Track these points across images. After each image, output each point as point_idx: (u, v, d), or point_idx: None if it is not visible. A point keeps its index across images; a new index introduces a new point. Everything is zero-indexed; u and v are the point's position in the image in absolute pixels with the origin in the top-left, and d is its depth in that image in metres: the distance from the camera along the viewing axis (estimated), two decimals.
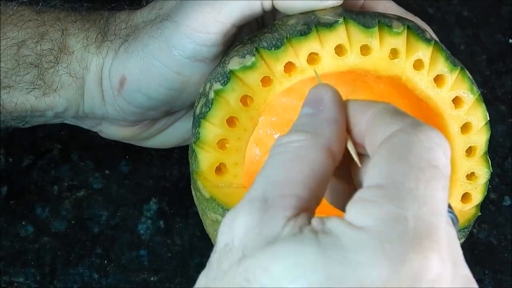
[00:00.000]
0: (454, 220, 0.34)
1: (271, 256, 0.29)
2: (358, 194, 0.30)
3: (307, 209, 0.31)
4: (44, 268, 0.53)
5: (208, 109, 0.44)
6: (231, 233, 0.31)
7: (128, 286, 0.53)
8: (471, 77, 0.46)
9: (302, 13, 0.46)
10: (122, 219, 0.56)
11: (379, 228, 0.28)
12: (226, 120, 0.44)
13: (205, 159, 0.44)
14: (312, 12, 0.45)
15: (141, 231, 0.55)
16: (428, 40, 0.45)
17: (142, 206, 0.56)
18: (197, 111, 0.45)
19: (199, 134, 0.44)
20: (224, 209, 0.44)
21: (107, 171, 0.57)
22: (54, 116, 0.51)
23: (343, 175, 0.36)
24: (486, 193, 0.47)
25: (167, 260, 0.54)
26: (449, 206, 0.34)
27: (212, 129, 0.44)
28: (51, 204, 0.56)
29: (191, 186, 0.47)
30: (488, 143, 0.47)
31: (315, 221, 0.30)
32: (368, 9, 0.51)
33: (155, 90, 0.48)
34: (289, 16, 0.46)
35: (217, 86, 0.44)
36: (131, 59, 0.48)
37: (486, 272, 0.55)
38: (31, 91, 0.48)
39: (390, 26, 0.44)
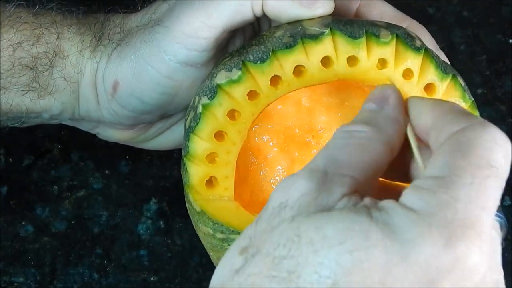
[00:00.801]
0: (503, 224, 0.35)
1: (325, 219, 0.31)
2: (415, 182, 0.32)
3: (360, 192, 0.33)
4: (44, 268, 0.53)
5: (196, 123, 0.44)
6: (287, 193, 0.33)
7: (128, 286, 0.53)
8: (463, 84, 0.46)
9: (289, 24, 0.45)
10: (122, 219, 0.56)
11: (429, 212, 0.30)
12: (214, 134, 0.44)
13: (195, 172, 0.44)
14: (299, 22, 0.45)
15: (141, 231, 0.55)
16: (417, 48, 0.44)
17: (142, 206, 0.56)
18: (187, 125, 0.46)
19: (188, 148, 0.44)
20: (215, 223, 0.44)
21: (107, 171, 0.57)
22: (50, 118, 0.51)
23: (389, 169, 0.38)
24: None
25: (167, 260, 0.54)
26: (500, 212, 0.35)
27: (200, 143, 0.44)
28: (51, 204, 0.56)
29: (185, 198, 0.47)
30: None
31: (367, 200, 0.32)
32: (363, 13, 0.50)
33: (147, 94, 0.48)
34: (277, 26, 0.46)
35: (204, 100, 0.44)
36: (123, 64, 0.48)
37: None
38: (26, 93, 0.48)
39: (377, 36, 0.44)
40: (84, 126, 0.53)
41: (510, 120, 0.61)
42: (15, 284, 0.53)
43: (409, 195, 0.32)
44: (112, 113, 0.50)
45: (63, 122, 0.52)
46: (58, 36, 0.49)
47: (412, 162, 0.37)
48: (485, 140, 0.32)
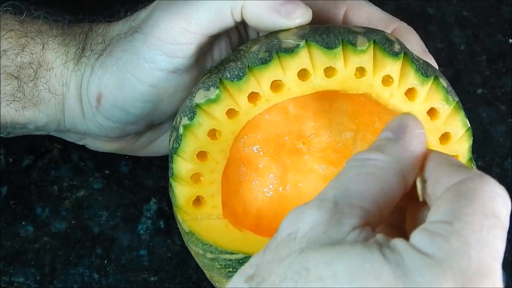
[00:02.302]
0: (504, 278, 0.35)
1: (336, 254, 0.30)
2: (425, 226, 0.32)
3: (371, 223, 0.33)
4: (44, 268, 0.53)
5: (178, 145, 0.44)
6: (297, 224, 0.32)
7: (128, 286, 0.53)
8: (446, 85, 0.45)
9: (266, 36, 0.45)
10: (122, 219, 0.56)
11: (443, 257, 0.30)
12: (197, 155, 0.44)
13: (181, 193, 0.44)
14: (275, 34, 0.45)
15: (141, 231, 0.55)
16: (396, 54, 0.44)
17: (142, 206, 0.56)
18: (170, 145, 0.45)
19: (173, 169, 0.44)
20: (204, 243, 0.44)
21: (107, 171, 0.57)
22: (35, 129, 0.50)
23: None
24: None
25: (167, 260, 0.54)
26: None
27: (184, 164, 0.44)
28: (51, 204, 0.56)
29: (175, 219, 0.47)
30: (471, 149, 0.46)
31: (379, 236, 0.32)
32: (351, 16, 0.50)
33: (131, 104, 0.48)
34: (254, 40, 0.46)
35: (185, 120, 0.44)
36: (106, 74, 0.47)
37: None
38: (11, 103, 0.48)
39: (354, 44, 0.43)
40: (70, 138, 0.53)
41: (510, 120, 0.61)
42: (15, 284, 0.53)
43: (420, 237, 0.31)
44: (98, 125, 0.50)
45: (49, 133, 0.52)
46: (43, 47, 0.48)
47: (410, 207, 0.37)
48: (486, 191, 0.32)
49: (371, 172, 0.34)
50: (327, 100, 0.49)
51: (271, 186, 0.50)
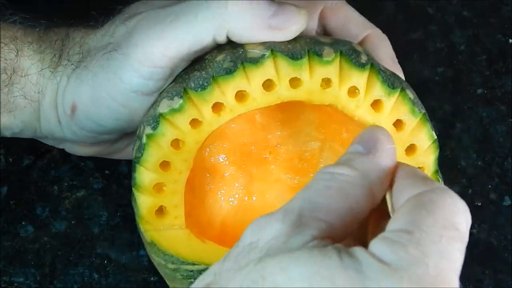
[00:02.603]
0: None
1: (291, 259, 0.30)
2: (384, 234, 0.32)
3: (335, 238, 0.32)
4: (44, 268, 0.53)
5: (141, 154, 0.44)
6: (258, 234, 0.32)
7: (128, 286, 0.53)
8: (413, 97, 0.45)
9: (231, 45, 0.44)
10: (122, 219, 0.56)
11: (401, 265, 0.30)
12: (160, 165, 0.44)
13: (143, 203, 0.44)
14: (241, 45, 0.44)
15: None
16: (362, 65, 0.43)
17: None
18: (133, 155, 0.45)
19: (135, 179, 0.44)
20: (165, 254, 0.44)
21: (107, 171, 0.57)
22: (12, 135, 0.50)
23: None
24: None
25: None
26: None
27: (146, 174, 0.44)
28: (51, 204, 0.56)
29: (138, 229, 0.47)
30: (437, 161, 0.46)
31: (338, 244, 0.32)
32: (328, 16, 0.49)
33: (104, 119, 0.48)
34: (219, 49, 0.45)
35: (148, 130, 0.44)
36: (81, 88, 0.47)
37: (486, 272, 0.55)
38: None
39: (320, 55, 0.43)
40: (49, 142, 0.53)
41: (510, 120, 0.61)
42: (15, 284, 0.53)
43: (378, 245, 0.31)
44: (73, 132, 0.50)
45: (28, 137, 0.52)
46: (17, 54, 0.48)
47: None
48: (448, 204, 0.32)
49: (339, 186, 0.33)
50: (294, 110, 0.49)
51: (237, 196, 0.50)
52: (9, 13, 0.49)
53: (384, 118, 0.44)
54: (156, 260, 0.45)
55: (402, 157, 0.45)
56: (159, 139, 0.43)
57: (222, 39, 0.44)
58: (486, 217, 0.57)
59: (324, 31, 0.51)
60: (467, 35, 0.65)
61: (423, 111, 0.45)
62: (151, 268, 0.54)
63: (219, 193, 0.50)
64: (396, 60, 0.49)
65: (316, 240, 0.31)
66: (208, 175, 0.49)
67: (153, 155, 0.43)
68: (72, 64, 0.48)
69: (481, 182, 0.59)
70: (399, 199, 0.33)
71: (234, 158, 0.50)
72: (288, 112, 0.49)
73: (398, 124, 0.44)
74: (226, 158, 0.50)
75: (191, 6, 0.45)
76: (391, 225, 0.32)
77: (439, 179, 0.46)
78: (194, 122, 0.43)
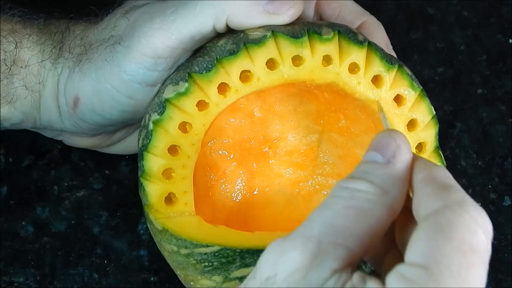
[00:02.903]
0: None
1: None
2: (402, 270, 0.31)
3: (354, 262, 0.32)
4: (44, 268, 0.53)
5: (148, 141, 0.44)
6: (277, 266, 0.32)
7: (128, 286, 0.53)
8: (410, 73, 0.46)
9: (231, 32, 0.45)
10: (122, 219, 0.56)
11: None
12: (168, 149, 0.44)
13: (153, 191, 0.44)
14: (241, 30, 0.45)
15: (141, 231, 0.55)
16: (360, 42, 0.44)
17: (142, 206, 0.56)
18: (140, 144, 0.45)
19: (143, 167, 0.44)
20: (178, 239, 0.44)
21: (107, 171, 0.57)
22: (11, 126, 0.51)
23: None
24: None
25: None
26: None
27: (155, 160, 0.44)
28: (51, 204, 0.56)
29: (146, 219, 0.47)
30: (437, 137, 0.46)
31: (356, 278, 0.31)
32: (322, 5, 0.50)
33: (108, 112, 0.48)
34: (219, 36, 0.46)
35: (154, 116, 0.44)
36: (84, 80, 0.48)
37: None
38: None
39: (319, 34, 0.44)
40: (48, 133, 0.54)
41: (510, 120, 0.61)
42: (15, 284, 0.53)
43: (396, 284, 0.31)
44: (74, 124, 0.50)
45: (28, 129, 0.52)
46: (16, 45, 0.48)
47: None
48: (465, 222, 0.31)
49: (359, 206, 0.32)
50: (292, 102, 0.50)
51: (238, 191, 0.50)
52: (8, 7, 0.49)
53: (385, 94, 0.45)
54: (168, 248, 0.45)
55: (404, 133, 0.45)
56: (167, 124, 0.44)
57: (221, 27, 0.45)
58: None
59: (320, 20, 0.51)
60: (467, 35, 0.65)
61: (421, 87, 0.46)
62: (151, 268, 0.54)
63: (221, 188, 0.50)
64: (391, 47, 0.50)
65: (336, 275, 0.31)
66: (209, 169, 0.50)
67: (161, 140, 0.44)
68: (73, 56, 0.49)
69: (481, 182, 0.59)
70: (420, 210, 0.33)
71: (235, 154, 0.50)
72: (286, 105, 0.50)
73: (398, 99, 0.45)
74: (226, 154, 0.50)
75: None
76: (409, 255, 0.31)
77: (440, 155, 0.47)
78: (201, 104, 0.44)
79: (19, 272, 0.53)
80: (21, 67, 0.48)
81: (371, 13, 0.52)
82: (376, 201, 0.32)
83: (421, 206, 0.32)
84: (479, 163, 0.59)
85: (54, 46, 0.49)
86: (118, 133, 0.53)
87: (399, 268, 0.31)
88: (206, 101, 0.44)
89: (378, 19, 0.51)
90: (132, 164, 0.58)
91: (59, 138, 0.54)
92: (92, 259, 0.54)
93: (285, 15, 0.45)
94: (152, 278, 0.53)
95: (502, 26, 0.65)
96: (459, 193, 0.32)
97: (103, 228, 0.55)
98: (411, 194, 0.34)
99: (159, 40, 0.45)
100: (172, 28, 0.45)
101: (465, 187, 0.58)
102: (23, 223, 0.55)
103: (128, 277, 0.53)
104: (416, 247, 0.31)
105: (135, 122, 0.51)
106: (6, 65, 0.48)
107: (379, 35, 0.49)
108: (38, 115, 0.50)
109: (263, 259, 0.32)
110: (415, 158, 0.34)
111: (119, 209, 0.56)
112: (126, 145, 0.55)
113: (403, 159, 0.34)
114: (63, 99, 0.49)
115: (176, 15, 0.45)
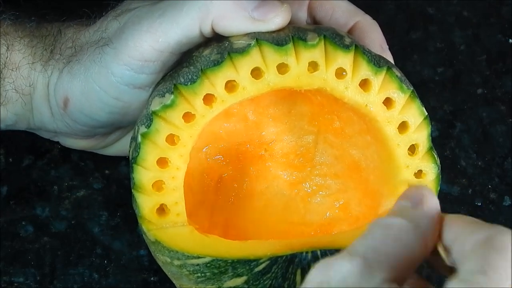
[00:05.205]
0: None
1: None
2: (461, 275, 0.32)
3: (397, 282, 0.33)
4: (44, 268, 0.53)
5: (137, 154, 0.44)
6: (327, 274, 0.33)
7: (128, 286, 0.53)
8: (400, 75, 0.45)
9: (217, 40, 0.45)
10: (122, 219, 0.56)
11: None
12: (157, 162, 0.44)
13: (144, 203, 0.44)
14: (227, 38, 0.45)
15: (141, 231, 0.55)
16: (347, 46, 0.44)
17: None
18: (130, 156, 0.46)
19: (134, 179, 0.44)
20: (170, 250, 0.44)
21: (107, 171, 0.57)
22: (5, 127, 0.51)
23: None
24: (439, 188, 0.47)
25: None
26: None
27: (145, 173, 0.44)
28: (51, 204, 0.56)
29: (140, 230, 0.47)
30: (430, 137, 0.46)
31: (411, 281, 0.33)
32: (315, 6, 0.50)
33: (96, 113, 0.48)
34: (205, 45, 0.46)
35: (142, 129, 0.44)
36: (74, 81, 0.48)
37: None
38: None
39: (304, 40, 0.43)
40: (43, 135, 0.54)
41: (510, 120, 0.61)
42: (15, 284, 0.53)
43: (456, 285, 0.32)
44: (66, 125, 0.50)
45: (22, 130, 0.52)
46: (8, 48, 0.48)
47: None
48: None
49: (396, 235, 0.34)
50: (285, 104, 0.50)
51: (236, 195, 0.50)
52: (0, 11, 0.49)
53: (373, 98, 0.44)
54: (161, 258, 0.45)
55: (396, 135, 0.45)
56: (154, 136, 0.44)
57: (207, 30, 0.45)
58: (486, 217, 0.57)
59: (314, 22, 0.51)
60: (467, 35, 0.65)
61: (411, 88, 0.45)
62: (151, 268, 0.54)
63: (218, 193, 0.50)
64: (387, 46, 0.50)
65: (387, 283, 0.32)
66: (205, 175, 0.50)
67: (149, 152, 0.44)
68: (64, 58, 0.49)
69: (481, 182, 0.59)
70: (465, 247, 0.34)
71: (231, 158, 0.50)
72: (280, 107, 0.50)
73: (387, 102, 0.45)
74: (222, 158, 0.50)
75: (178, 1, 0.46)
76: (464, 265, 0.33)
77: (434, 155, 0.46)
78: (187, 116, 0.44)
79: (19, 272, 0.53)
80: (12, 69, 0.48)
81: (371, 13, 0.52)
82: (410, 231, 0.35)
83: (468, 242, 0.34)
84: (479, 163, 0.59)
85: (45, 49, 0.49)
86: (112, 135, 0.53)
87: (458, 275, 0.32)
88: (192, 112, 0.43)
89: (378, 19, 0.51)
90: None
91: (55, 140, 0.55)
92: (92, 259, 0.54)
93: (270, 23, 0.44)
94: (152, 278, 0.54)
95: (502, 26, 0.65)
96: (499, 226, 0.34)
97: (103, 228, 0.55)
98: (441, 252, 0.36)
99: (147, 43, 0.45)
100: (159, 31, 0.45)
101: (465, 187, 0.58)
102: (23, 223, 0.55)
103: (128, 277, 0.53)
104: (469, 259, 0.33)
105: (125, 125, 0.51)
106: None
107: (373, 35, 0.49)
108: (31, 116, 0.50)
109: (312, 273, 0.33)
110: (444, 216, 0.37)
111: (119, 209, 0.56)
112: (122, 146, 0.55)
113: (430, 203, 0.36)
114: (53, 101, 0.49)
115: (163, 18, 0.45)
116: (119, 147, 0.55)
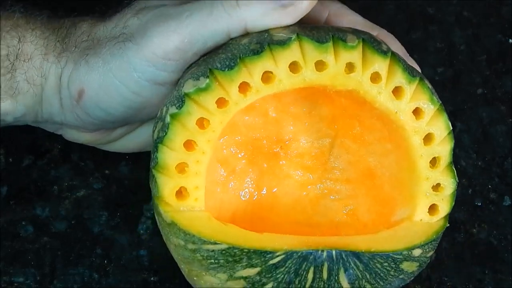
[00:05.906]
0: None
1: None
2: None
3: None
4: (44, 268, 0.53)
5: (164, 134, 0.44)
6: None
7: (128, 286, 0.53)
8: (431, 87, 0.46)
9: (255, 32, 0.45)
10: (122, 219, 0.56)
11: None
12: (184, 144, 0.44)
13: (164, 184, 0.44)
14: (266, 30, 0.45)
15: (141, 231, 0.55)
16: (384, 52, 0.44)
17: (142, 206, 0.56)
18: (155, 135, 0.45)
19: (157, 159, 0.44)
20: (186, 233, 0.44)
21: (107, 171, 0.57)
22: (13, 121, 0.51)
23: None
24: (453, 203, 0.47)
25: (167, 260, 0.54)
26: None
27: (169, 154, 0.44)
28: (51, 204, 0.56)
29: (154, 211, 0.47)
30: (452, 152, 0.46)
31: None
32: (333, 22, 0.50)
33: (113, 107, 0.48)
34: (242, 35, 0.46)
35: (172, 110, 0.44)
36: (91, 73, 0.48)
37: (486, 272, 0.55)
38: None
39: (344, 40, 0.44)
40: (48, 128, 0.54)
41: (510, 120, 0.61)
42: (15, 284, 0.53)
43: None
44: (76, 117, 0.50)
45: (28, 123, 0.52)
46: (19, 40, 0.48)
47: None
48: None
49: None
50: (307, 104, 0.49)
51: (246, 190, 0.50)
52: (9, 4, 0.50)
53: (404, 105, 0.45)
54: (175, 241, 0.45)
55: (420, 146, 0.45)
56: (184, 118, 0.43)
57: (237, 34, 0.46)
58: (486, 217, 0.57)
59: None
60: (467, 35, 0.65)
61: (440, 102, 0.46)
62: (151, 268, 0.54)
63: (230, 185, 0.50)
64: (408, 55, 0.50)
65: None
66: (219, 166, 0.50)
67: (177, 134, 0.44)
68: (80, 50, 0.49)
69: (481, 182, 0.59)
70: None
71: (246, 152, 0.50)
72: (301, 106, 0.50)
73: (417, 112, 0.45)
74: (238, 151, 0.50)
75: (206, 4, 0.46)
76: None
77: (453, 170, 0.46)
78: (220, 102, 0.44)
79: (19, 272, 0.53)
80: (24, 60, 0.49)
81: (371, 13, 0.52)
82: None
83: None
84: (479, 163, 0.59)
85: (58, 41, 0.49)
86: (117, 130, 0.53)
87: None
88: (226, 98, 0.43)
89: (378, 19, 0.51)
90: (132, 164, 0.58)
91: (58, 132, 0.54)
92: (92, 259, 0.54)
93: (300, 5, 0.45)
94: (152, 278, 0.54)
95: (502, 26, 0.66)
96: None
97: (103, 228, 0.55)
98: None
99: (173, 43, 0.46)
100: (186, 32, 0.45)
101: (465, 187, 0.58)
102: (23, 223, 0.55)
103: (128, 277, 0.53)
104: None
105: (137, 120, 0.51)
106: (9, 60, 0.48)
107: (395, 46, 0.50)
108: (40, 108, 0.50)
109: None
110: None
111: (119, 209, 0.56)
112: (125, 143, 0.55)
113: None
114: (66, 92, 0.49)
115: (191, 20, 0.46)
116: (121, 144, 0.55)
